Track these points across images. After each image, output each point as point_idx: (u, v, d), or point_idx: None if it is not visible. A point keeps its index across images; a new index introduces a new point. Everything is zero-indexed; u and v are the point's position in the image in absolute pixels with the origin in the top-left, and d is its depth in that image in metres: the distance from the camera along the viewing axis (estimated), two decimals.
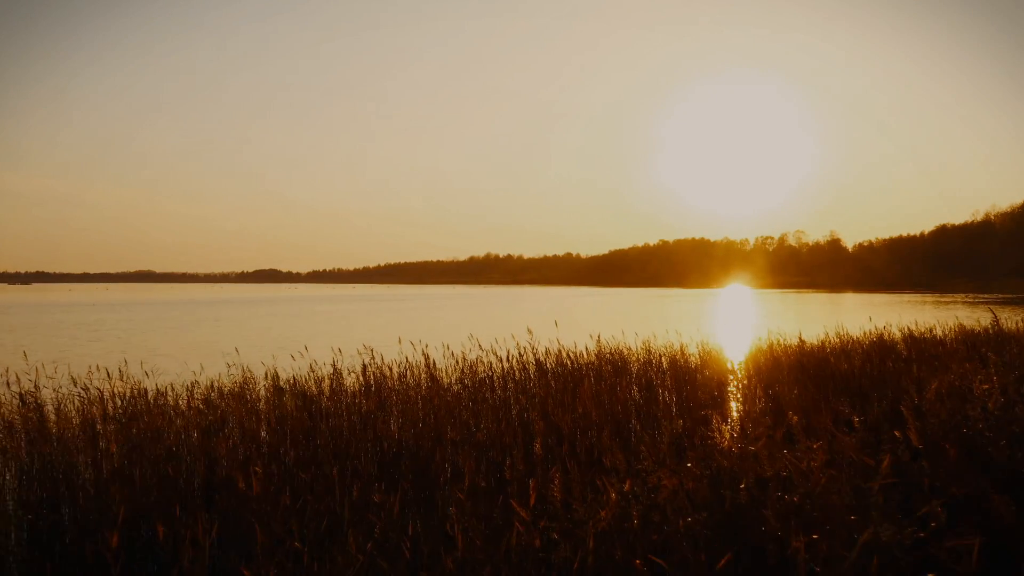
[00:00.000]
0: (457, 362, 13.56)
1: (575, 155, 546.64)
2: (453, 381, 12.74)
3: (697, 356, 15.27)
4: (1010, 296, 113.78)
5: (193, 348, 29.37)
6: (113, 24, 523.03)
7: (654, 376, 13.76)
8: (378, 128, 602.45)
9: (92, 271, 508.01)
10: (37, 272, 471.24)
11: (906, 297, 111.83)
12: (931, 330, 20.17)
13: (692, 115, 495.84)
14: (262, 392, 11.69)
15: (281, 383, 11.96)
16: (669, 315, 56.40)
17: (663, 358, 14.73)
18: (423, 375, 12.74)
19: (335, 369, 12.58)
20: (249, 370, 12.92)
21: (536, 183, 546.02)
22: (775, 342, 16.78)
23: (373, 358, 13.19)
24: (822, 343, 17.07)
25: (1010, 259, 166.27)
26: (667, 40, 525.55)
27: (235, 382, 12.04)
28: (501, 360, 13.93)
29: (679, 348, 15.62)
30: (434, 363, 13.20)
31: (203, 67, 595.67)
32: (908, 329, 19.71)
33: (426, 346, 14.09)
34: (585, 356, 14.65)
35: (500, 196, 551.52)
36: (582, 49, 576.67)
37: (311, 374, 12.76)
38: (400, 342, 15.11)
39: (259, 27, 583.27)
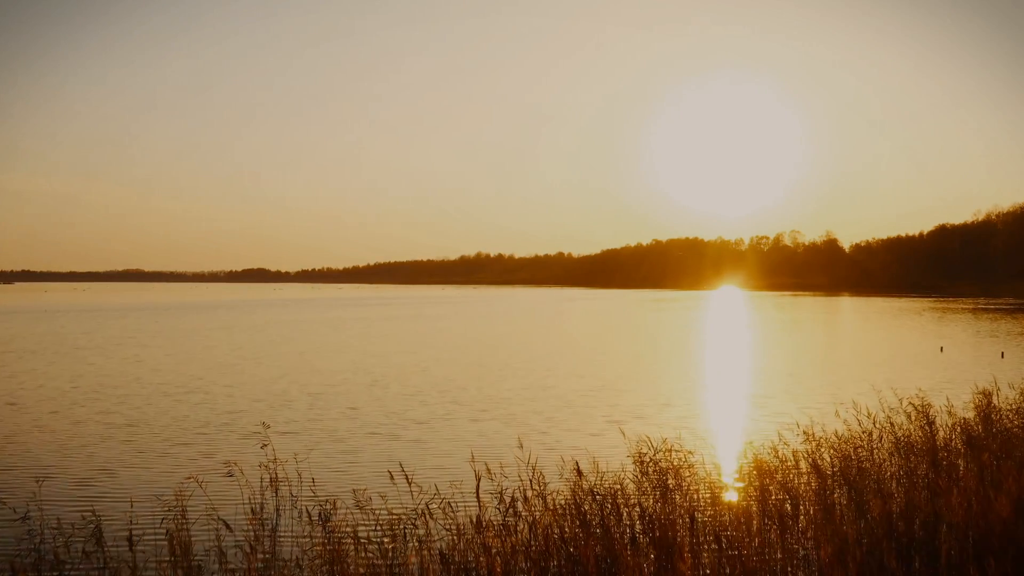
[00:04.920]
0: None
1: (567, 155, 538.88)
2: None
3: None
4: (1022, 302, 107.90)
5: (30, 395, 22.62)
6: (107, 25, 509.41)
7: None
8: (369, 128, 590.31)
9: (80, 270, 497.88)
10: (23, 271, 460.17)
11: (913, 302, 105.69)
12: None
13: (685, 115, 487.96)
14: None
15: None
16: (676, 340, 50.02)
17: None
18: None
19: None
20: None
21: (528, 182, 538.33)
22: None
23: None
24: None
25: (1015, 261, 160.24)
26: (659, 40, 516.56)
27: None
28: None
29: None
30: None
31: (196, 67, 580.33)
32: None
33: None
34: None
35: (491, 196, 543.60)
36: (573, 49, 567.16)
37: None
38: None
39: (252, 28, 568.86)
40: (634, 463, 9.24)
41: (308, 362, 30.49)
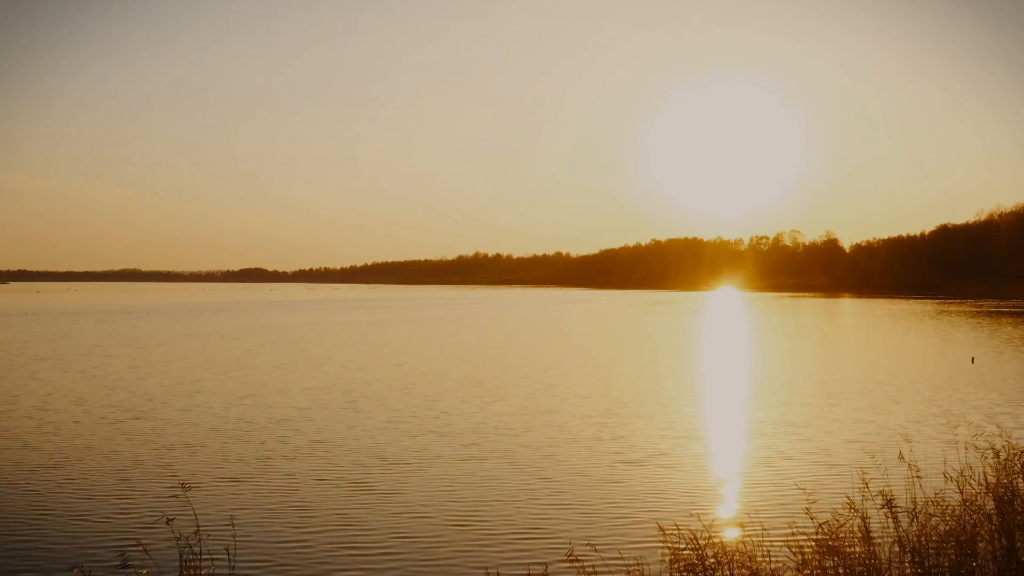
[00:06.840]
0: None
1: (565, 154, 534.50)
2: None
3: None
4: None
5: None
6: (107, 25, 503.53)
7: None
8: (367, 128, 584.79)
9: (78, 270, 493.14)
10: (19, 271, 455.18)
11: (918, 304, 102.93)
12: None
13: (683, 114, 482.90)
14: None
15: None
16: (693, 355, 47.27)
17: None
18: None
19: None
20: None
21: (525, 182, 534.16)
22: None
23: None
24: None
25: (1019, 262, 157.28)
26: (657, 39, 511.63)
27: None
28: None
29: None
30: None
31: (195, 67, 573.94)
32: None
33: None
34: None
35: (489, 195, 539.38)
36: (571, 49, 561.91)
37: None
38: None
39: (251, 28, 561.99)
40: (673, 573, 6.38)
41: (281, 377, 27.59)
